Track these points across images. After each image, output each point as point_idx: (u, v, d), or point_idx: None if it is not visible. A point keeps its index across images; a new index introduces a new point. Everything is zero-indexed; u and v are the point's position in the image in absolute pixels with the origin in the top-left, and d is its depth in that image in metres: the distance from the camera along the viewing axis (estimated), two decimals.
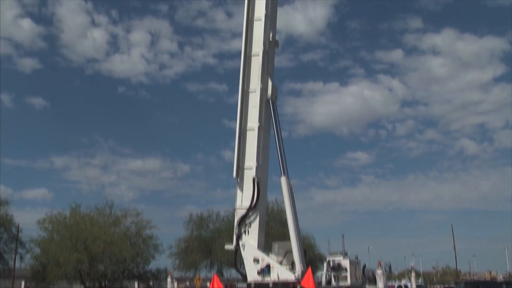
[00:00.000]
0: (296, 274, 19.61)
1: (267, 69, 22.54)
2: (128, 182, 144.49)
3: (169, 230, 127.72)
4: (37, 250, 41.86)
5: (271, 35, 22.82)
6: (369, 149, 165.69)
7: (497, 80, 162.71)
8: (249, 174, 21.50)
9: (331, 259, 22.77)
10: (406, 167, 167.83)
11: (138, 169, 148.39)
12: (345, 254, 23.36)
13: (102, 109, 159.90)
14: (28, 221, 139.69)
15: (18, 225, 43.16)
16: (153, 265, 45.21)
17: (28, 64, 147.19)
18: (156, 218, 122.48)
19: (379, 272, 23.00)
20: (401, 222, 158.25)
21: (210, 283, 21.55)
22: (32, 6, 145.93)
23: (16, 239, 42.60)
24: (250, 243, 20.84)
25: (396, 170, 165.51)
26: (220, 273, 45.53)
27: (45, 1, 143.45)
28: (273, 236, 35.27)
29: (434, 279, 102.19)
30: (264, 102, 22.28)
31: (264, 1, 22.72)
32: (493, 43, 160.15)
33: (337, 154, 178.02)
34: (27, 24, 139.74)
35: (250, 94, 22.30)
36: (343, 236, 79.34)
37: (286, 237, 21.38)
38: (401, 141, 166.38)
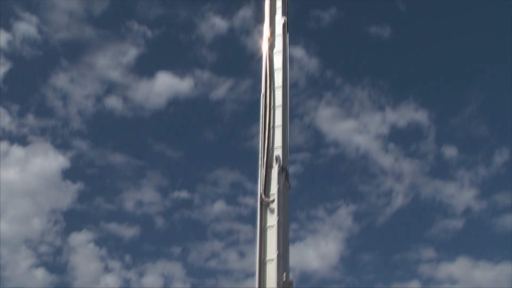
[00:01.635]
0: None
1: None
2: None
3: None
4: None
5: (284, 275, 22.08)
6: None
7: None
8: None
9: None
10: None
11: None
12: None
13: None
14: None
15: None
16: None
17: None
18: None
19: None
20: None
21: None
22: (47, 255, 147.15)
23: None
24: None
25: None
26: None
27: (60, 250, 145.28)
28: None
29: None
30: None
31: (276, 242, 22.58)
32: (509, 269, 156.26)
33: None
34: (40, 273, 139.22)
35: None
36: None
37: None
38: None
